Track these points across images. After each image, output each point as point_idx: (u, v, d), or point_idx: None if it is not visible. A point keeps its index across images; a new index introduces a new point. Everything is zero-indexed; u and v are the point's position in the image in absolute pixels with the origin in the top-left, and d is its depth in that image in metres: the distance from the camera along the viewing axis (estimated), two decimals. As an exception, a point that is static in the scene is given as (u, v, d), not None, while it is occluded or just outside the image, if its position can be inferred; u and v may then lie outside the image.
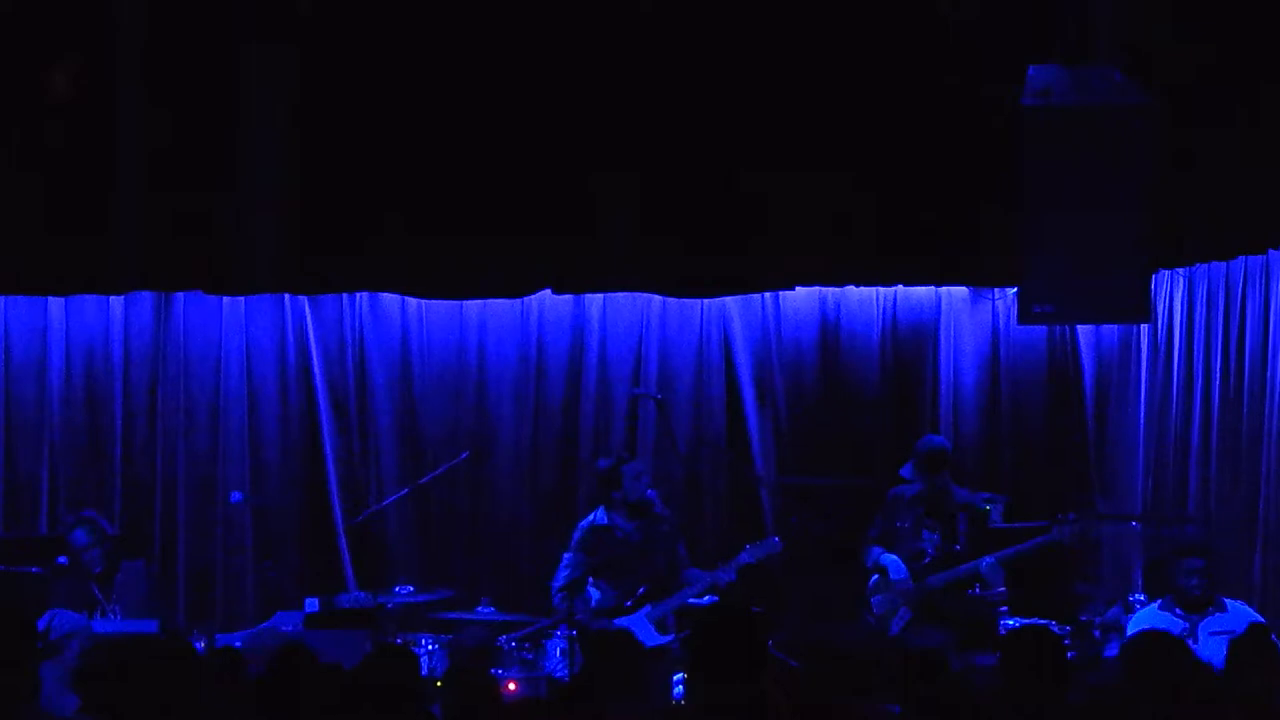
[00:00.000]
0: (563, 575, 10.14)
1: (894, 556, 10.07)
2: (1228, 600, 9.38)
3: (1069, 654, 7.87)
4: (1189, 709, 6.17)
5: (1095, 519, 10.10)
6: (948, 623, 9.70)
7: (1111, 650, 9.32)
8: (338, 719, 6.05)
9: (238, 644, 9.41)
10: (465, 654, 9.13)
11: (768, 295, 11.76)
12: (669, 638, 9.67)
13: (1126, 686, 6.41)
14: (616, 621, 9.59)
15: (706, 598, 9.95)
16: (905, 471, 10.50)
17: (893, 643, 9.54)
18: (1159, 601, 9.55)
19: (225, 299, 11.46)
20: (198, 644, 9.04)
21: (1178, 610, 9.33)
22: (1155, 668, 6.31)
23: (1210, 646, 8.88)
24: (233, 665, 7.09)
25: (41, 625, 8.31)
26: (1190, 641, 8.51)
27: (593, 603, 9.90)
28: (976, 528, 10.09)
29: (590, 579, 9.96)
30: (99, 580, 10.05)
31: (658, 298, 11.63)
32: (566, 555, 10.29)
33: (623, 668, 6.45)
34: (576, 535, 10.30)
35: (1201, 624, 9.18)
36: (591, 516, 10.31)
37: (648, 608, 9.82)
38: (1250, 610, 9.40)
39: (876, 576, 10.15)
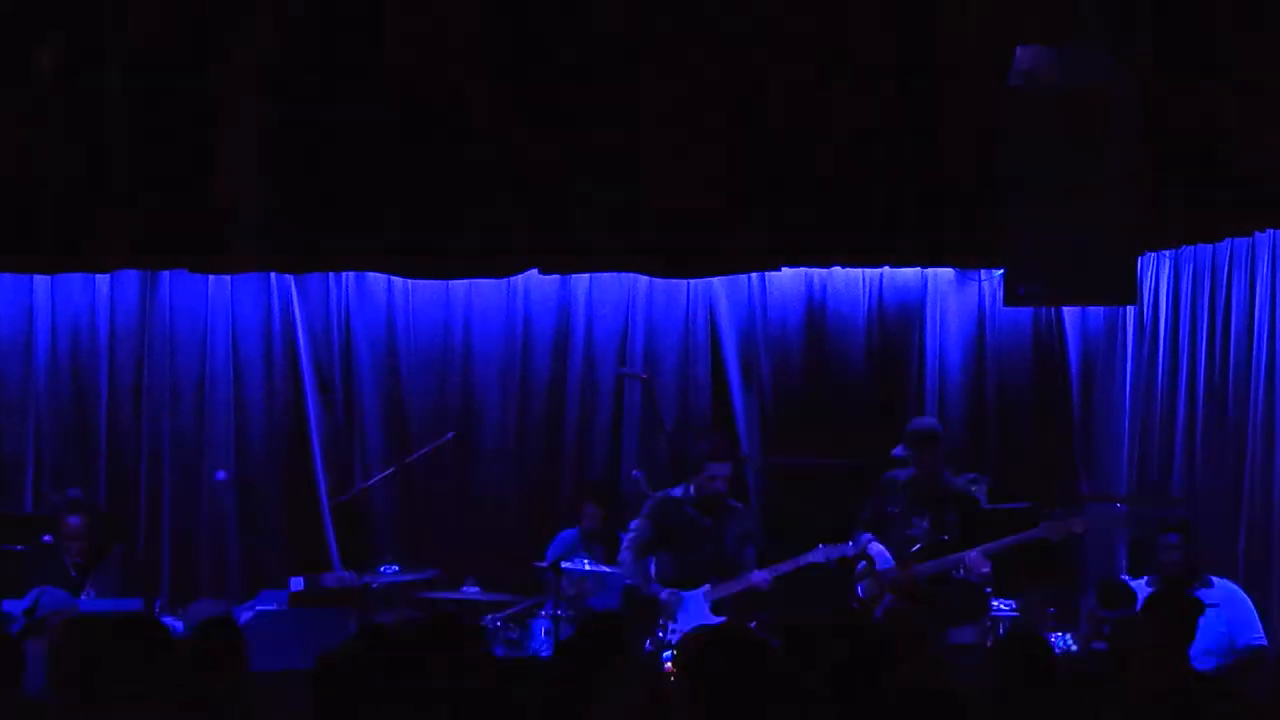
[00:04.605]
0: (629, 539, 9.93)
1: (881, 547, 10.03)
2: (1214, 578, 9.40)
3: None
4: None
5: (1082, 513, 10.09)
6: (933, 606, 9.67)
7: (1098, 644, 9.33)
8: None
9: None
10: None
11: (754, 275, 11.75)
12: (720, 619, 9.50)
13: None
14: (677, 593, 9.49)
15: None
16: (898, 451, 10.44)
17: (875, 623, 9.52)
18: (1145, 580, 9.58)
19: (211, 277, 11.43)
20: (177, 623, 9.04)
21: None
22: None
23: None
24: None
25: (28, 602, 8.29)
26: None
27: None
28: (966, 519, 10.05)
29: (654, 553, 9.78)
30: (80, 567, 9.99)
31: (644, 277, 11.61)
32: (635, 521, 10.12)
33: (609, 649, 6.42)
34: (649, 503, 10.09)
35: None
36: (668, 489, 10.09)
37: (707, 586, 9.66)
38: (1236, 587, 9.42)
39: (864, 563, 10.12)
